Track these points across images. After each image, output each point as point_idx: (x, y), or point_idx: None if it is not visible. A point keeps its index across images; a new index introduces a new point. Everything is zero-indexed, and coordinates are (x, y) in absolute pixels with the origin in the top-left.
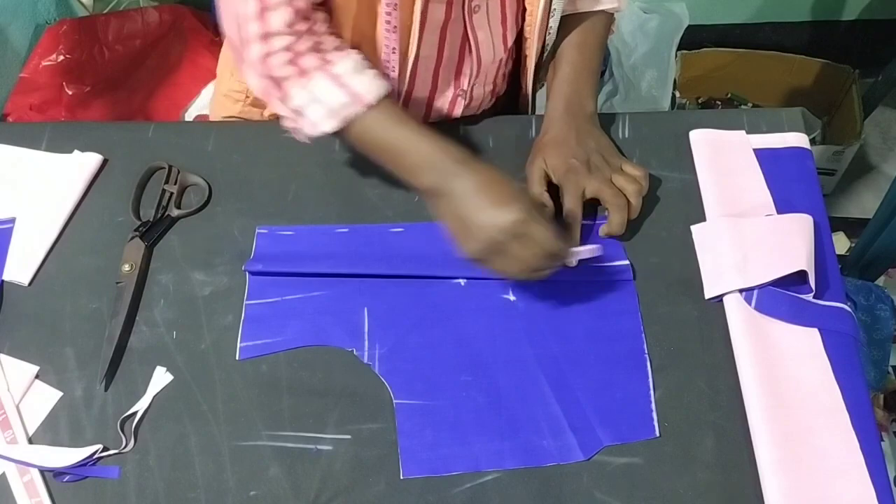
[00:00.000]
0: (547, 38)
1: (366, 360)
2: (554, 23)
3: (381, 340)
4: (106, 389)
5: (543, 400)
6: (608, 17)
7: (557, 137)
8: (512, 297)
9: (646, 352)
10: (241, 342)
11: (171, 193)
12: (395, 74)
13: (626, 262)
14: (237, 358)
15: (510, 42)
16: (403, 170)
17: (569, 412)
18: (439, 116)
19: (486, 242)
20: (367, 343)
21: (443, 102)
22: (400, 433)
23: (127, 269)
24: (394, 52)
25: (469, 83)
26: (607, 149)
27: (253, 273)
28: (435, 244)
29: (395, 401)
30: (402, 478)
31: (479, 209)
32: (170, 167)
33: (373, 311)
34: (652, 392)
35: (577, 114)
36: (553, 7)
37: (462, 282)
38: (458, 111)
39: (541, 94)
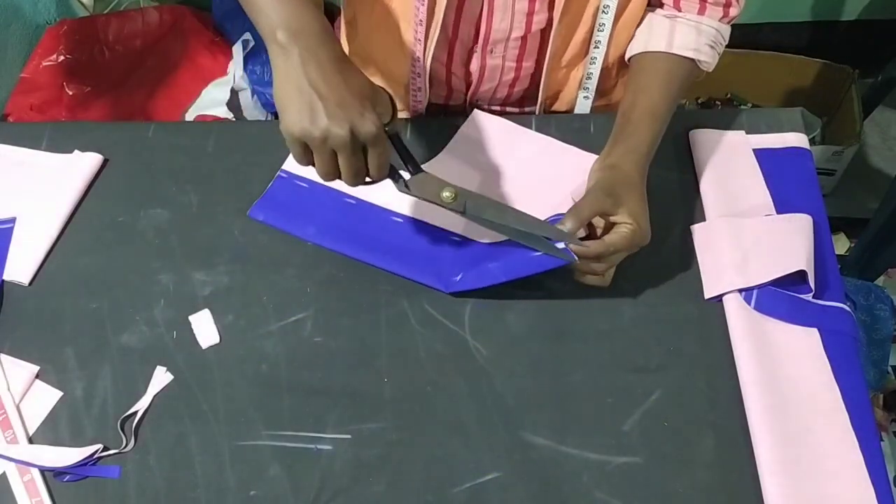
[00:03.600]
0: (594, 50)
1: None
2: (602, 37)
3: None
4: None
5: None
6: (689, 65)
7: (636, 181)
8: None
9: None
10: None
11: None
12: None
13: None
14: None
15: (534, 23)
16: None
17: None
18: (461, 63)
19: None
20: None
21: (462, 49)
22: None
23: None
24: None
25: (483, 40)
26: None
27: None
28: (428, 244)
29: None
30: None
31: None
32: None
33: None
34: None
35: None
36: (600, 22)
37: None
38: (474, 66)
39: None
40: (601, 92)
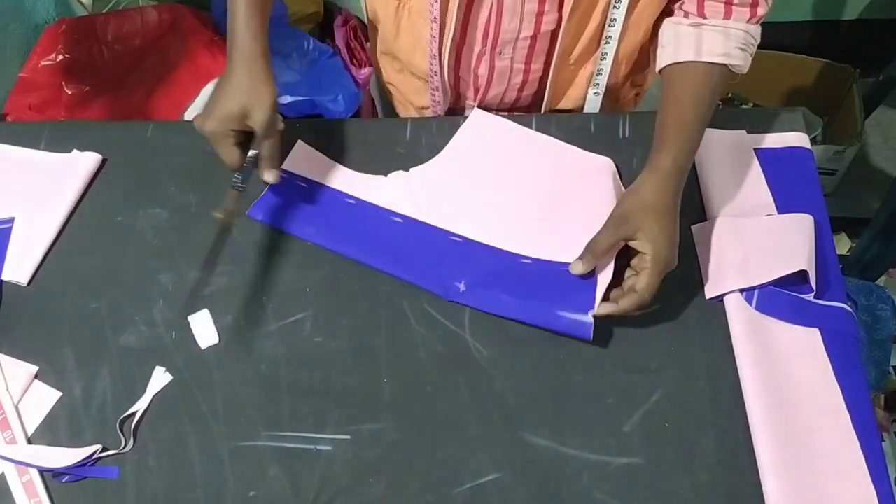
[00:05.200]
0: (604, 46)
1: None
2: (613, 32)
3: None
4: (188, 316)
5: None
6: (721, 71)
7: (658, 205)
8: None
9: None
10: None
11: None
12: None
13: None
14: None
15: (543, 24)
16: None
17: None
18: (469, 68)
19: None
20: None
21: (470, 53)
22: None
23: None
24: None
25: (492, 42)
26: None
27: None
28: (429, 246)
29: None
30: None
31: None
32: None
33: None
34: (595, 302)
35: (678, 182)
36: (612, 17)
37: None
38: (482, 70)
39: None
40: (609, 89)
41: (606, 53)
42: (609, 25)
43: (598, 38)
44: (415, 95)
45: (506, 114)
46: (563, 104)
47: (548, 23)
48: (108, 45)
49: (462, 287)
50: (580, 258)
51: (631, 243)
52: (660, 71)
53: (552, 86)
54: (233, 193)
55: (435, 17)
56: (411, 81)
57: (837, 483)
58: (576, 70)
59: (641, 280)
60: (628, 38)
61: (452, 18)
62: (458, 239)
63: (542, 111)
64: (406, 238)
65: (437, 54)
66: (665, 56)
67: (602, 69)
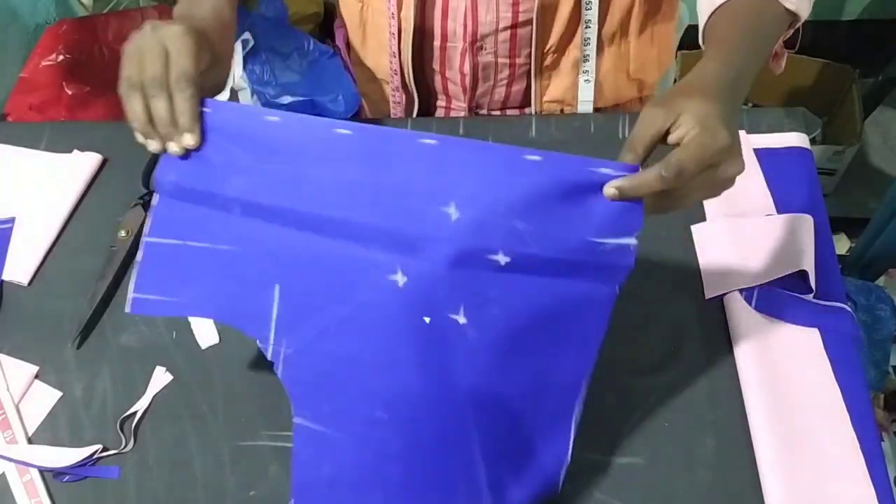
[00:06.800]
0: (586, 30)
1: (269, 356)
2: (591, 15)
3: (289, 336)
4: (78, 348)
5: (468, 458)
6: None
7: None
8: (462, 320)
9: (575, 407)
10: (133, 292)
11: None
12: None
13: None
14: (127, 310)
15: (521, 13)
16: None
17: (489, 473)
18: (455, 67)
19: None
20: (272, 335)
21: (453, 53)
22: (295, 462)
23: (123, 234)
24: None
25: (471, 37)
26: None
27: (162, 188)
28: (384, 168)
29: (294, 418)
30: None
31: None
32: None
33: (285, 292)
34: (569, 455)
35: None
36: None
37: (400, 281)
38: (467, 68)
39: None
40: (601, 76)
41: (589, 38)
42: (586, 8)
43: (576, 21)
44: (384, 103)
45: (498, 112)
46: (552, 94)
47: (525, 12)
48: (109, 45)
49: (454, 213)
50: (620, 158)
51: (673, 134)
52: (702, 38)
53: (537, 75)
54: (138, 211)
55: (393, 14)
56: (383, 89)
57: (837, 483)
58: (558, 57)
59: (678, 151)
60: (609, 21)
61: (410, 15)
62: (432, 142)
63: (533, 103)
64: (357, 160)
65: (396, 52)
66: (703, 16)
67: (588, 55)
